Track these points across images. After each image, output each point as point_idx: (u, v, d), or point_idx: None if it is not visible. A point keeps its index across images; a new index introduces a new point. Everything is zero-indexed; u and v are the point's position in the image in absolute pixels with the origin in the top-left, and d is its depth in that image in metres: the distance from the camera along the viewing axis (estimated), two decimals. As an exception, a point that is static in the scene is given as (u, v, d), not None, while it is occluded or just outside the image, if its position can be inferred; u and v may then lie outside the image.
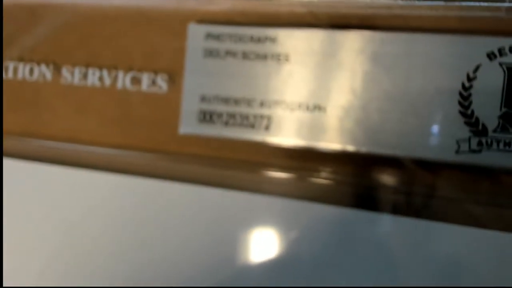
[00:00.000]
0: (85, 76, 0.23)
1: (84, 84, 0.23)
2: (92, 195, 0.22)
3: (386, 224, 0.19)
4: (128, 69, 0.22)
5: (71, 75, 0.23)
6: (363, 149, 0.19)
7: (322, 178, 0.20)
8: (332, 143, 0.19)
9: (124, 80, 0.22)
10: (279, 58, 0.20)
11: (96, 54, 0.23)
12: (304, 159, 0.20)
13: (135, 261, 0.22)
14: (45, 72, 0.23)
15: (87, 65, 0.23)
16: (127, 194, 0.22)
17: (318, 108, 0.19)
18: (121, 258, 0.22)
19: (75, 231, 0.23)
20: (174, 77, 0.22)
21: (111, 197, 0.22)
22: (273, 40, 0.20)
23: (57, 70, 0.23)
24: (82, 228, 0.22)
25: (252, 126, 0.20)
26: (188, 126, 0.21)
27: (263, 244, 0.21)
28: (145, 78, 0.22)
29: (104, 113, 0.22)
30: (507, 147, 0.17)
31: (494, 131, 0.17)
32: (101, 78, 0.23)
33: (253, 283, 0.20)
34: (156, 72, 0.22)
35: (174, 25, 0.21)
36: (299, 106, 0.19)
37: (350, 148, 0.19)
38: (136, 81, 0.22)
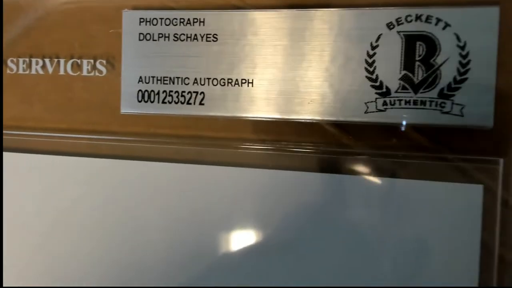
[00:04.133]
0: (29, 66, 0.24)
1: (29, 74, 0.24)
2: (40, 178, 0.24)
3: (309, 181, 0.21)
4: (69, 56, 0.23)
5: (16, 66, 0.24)
6: (286, 116, 0.20)
7: (252, 146, 0.22)
8: (259, 113, 0.21)
9: (65, 67, 0.24)
10: (208, 38, 0.21)
11: (39, 45, 0.24)
12: (235, 129, 0.22)
13: (83, 239, 0.23)
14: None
15: (31, 56, 0.24)
16: (74, 174, 0.23)
17: (246, 82, 0.21)
18: (71, 237, 0.23)
19: (27, 214, 0.24)
20: (113, 61, 0.23)
21: (58, 178, 0.23)
22: (201, 22, 0.21)
23: (3, 62, 0.24)
24: (34, 210, 0.24)
25: (188, 102, 0.22)
26: (128, 106, 0.22)
27: (196, 209, 0.22)
28: (85, 64, 0.23)
29: (48, 99, 0.24)
30: (407, 105, 0.19)
31: (396, 91, 0.19)
32: (44, 67, 0.24)
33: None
34: (95, 57, 0.23)
35: (110, 12, 0.23)
36: (229, 81, 0.21)
37: (275, 116, 0.21)
38: (77, 67, 0.23)
